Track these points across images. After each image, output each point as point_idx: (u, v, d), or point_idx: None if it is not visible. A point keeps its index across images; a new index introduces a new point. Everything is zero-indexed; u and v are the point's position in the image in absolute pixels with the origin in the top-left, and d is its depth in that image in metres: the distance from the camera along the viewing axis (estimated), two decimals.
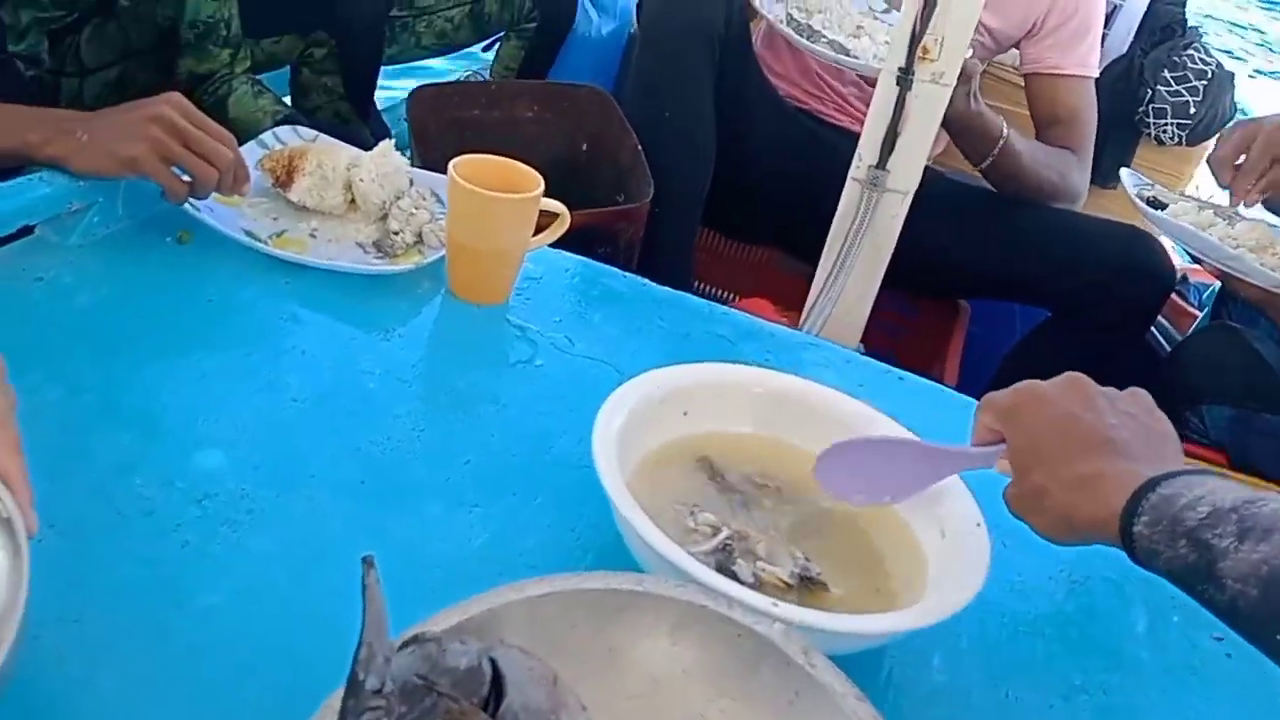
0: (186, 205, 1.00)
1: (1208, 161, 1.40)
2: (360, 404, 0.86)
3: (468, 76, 2.59)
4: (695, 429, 0.84)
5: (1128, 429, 0.67)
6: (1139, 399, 0.72)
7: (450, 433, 0.86)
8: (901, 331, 1.93)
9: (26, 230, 0.95)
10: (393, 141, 1.12)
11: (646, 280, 1.17)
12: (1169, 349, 1.83)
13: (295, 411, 0.83)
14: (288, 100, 1.67)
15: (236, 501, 0.73)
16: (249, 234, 1.03)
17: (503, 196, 0.97)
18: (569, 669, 0.53)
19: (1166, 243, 1.59)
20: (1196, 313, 2.12)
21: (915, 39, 1.21)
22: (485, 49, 2.46)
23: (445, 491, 0.79)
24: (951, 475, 0.78)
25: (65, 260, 0.95)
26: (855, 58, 1.49)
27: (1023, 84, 1.77)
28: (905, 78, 1.23)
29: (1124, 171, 1.51)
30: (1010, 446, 0.71)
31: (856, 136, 1.67)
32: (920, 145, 1.28)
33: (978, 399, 0.77)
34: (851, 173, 1.31)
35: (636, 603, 0.59)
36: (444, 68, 2.64)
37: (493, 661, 0.51)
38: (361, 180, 1.08)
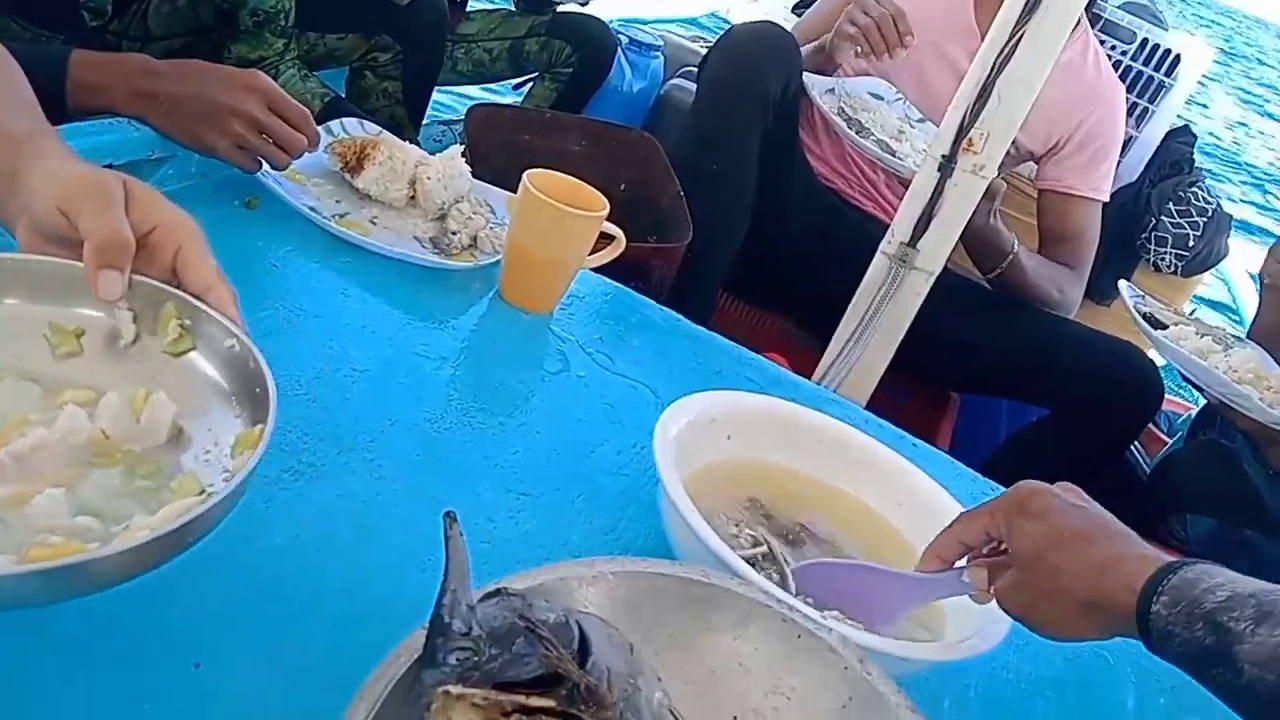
0: (260, 171, 1.03)
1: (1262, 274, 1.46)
2: (416, 384, 0.88)
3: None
4: (740, 456, 0.87)
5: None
6: None
7: (498, 423, 0.88)
8: (891, 414, 1.97)
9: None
10: (461, 147, 1.16)
11: (681, 316, 1.21)
12: (1145, 467, 1.89)
13: (357, 380, 0.85)
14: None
15: (299, 453, 0.74)
16: (313, 210, 1.05)
17: (574, 211, 1.01)
18: None
19: (1159, 360, 1.66)
20: (1166, 439, 2.20)
21: (963, 130, 1.27)
22: (515, 87, 2.52)
23: (495, 476, 0.81)
24: (922, 603, 0.77)
25: None
26: (900, 158, 1.56)
27: (1034, 195, 1.85)
28: (948, 165, 1.29)
29: (1122, 284, 1.58)
30: (1019, 534, 0.68)
31: (878, 222, 1.76)
32: (951, 230, 1.34)
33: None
34: (882, 247, 1.37)
35: (703, 594, 0.61)
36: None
37: (578, 622, 0.53)
38: (428, 179, 1.11)
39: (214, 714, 0.55)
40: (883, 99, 1.73)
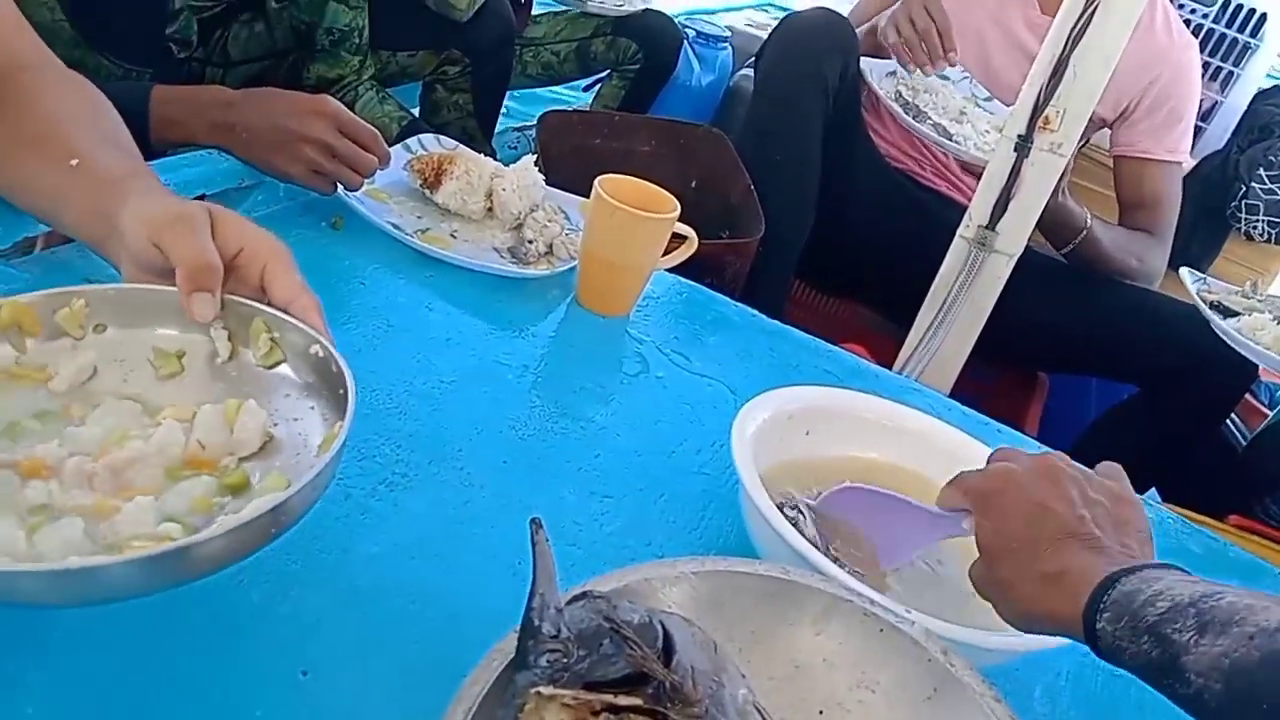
0: (340, 192, 1.07)
1: None
2: (501, 392, 0.91)
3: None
4: (819, 451, 0.87)
5: (1096, 519, 0.66)
6: (1111, 481, 0.70)
7: (580, 428, 0.90)
8: (978, 399, 1.95)
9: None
10: (534, 157, 1.18)
11: (756, 311, 1.22)
12: (1242, 442, 1.84)
13: (444, 391, 0.88)
14: (416, 113, 1.75)
15: (393, 465, 0.78)
16: (395, 227, 1.09)
17: (644, 215, 1.02)
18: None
19: None
20: (1266, 411, 2.13)
21: (1038, 109, 1.26)
22: (586, 89, 2.55)
23: (579, 479, 0.84)
24: (934, 541, 0.78)
25: None
26: (957, 142, 1.55)
27: (1111, 166, 1.81)
28: (1024, 145, 1.28)
29: (1183, 271, 1.51)
30: (980, 530, 0.69)
31: (952, 201, 1.74)
32: (1031, 211, 1.32)
33: None
34: (960, 230, 1.36)
35: (784, 590, 0.62)
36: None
37: (661, 622, 0.55)
38: (504, 190, 1.14)
39: (322, 718, 0.58)
40: (949, 79, 1.71)
